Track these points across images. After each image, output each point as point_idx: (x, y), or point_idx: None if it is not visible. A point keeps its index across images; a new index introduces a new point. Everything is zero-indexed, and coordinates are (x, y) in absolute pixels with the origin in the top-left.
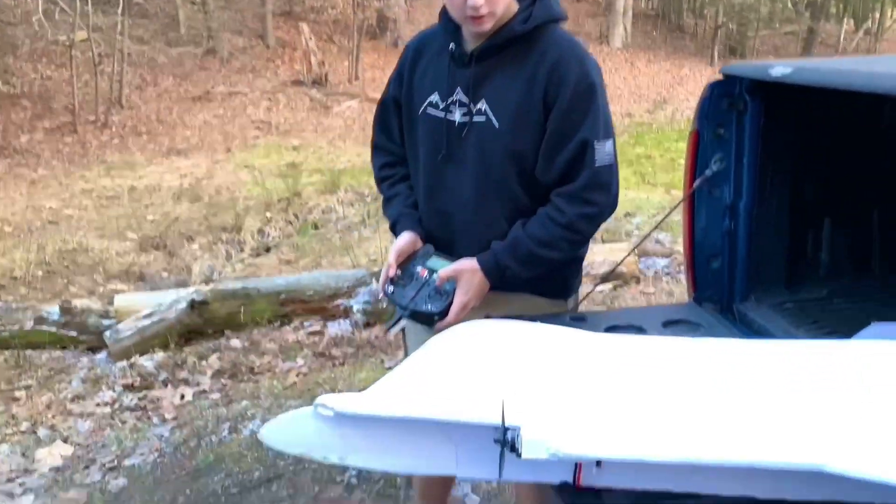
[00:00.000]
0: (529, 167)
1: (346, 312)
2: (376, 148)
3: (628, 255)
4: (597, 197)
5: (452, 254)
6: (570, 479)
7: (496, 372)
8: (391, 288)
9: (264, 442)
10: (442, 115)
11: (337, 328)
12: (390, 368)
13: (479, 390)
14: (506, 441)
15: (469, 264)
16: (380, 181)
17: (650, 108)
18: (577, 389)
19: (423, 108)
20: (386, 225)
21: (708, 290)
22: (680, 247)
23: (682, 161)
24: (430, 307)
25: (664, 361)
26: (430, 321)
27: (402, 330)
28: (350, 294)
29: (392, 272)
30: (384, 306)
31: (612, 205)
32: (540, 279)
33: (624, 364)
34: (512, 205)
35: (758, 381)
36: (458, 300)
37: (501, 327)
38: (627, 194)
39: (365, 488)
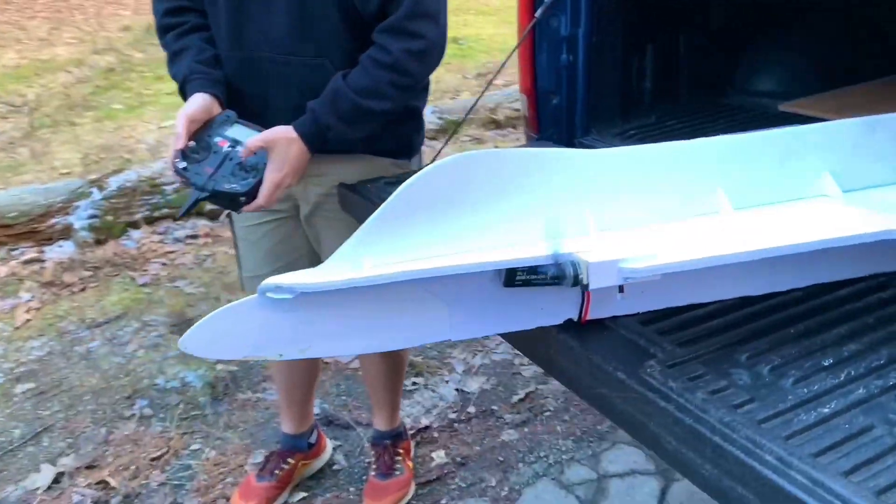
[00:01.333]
0: None
1: (68, 231)
2: None
3: (480, 97)
4: (423, 27)
5: (266, 118)
6: (575, 315)
7: (491, 208)
8: (183, 163)
9: (190, 352)
10: None
11: (59, 251)
12: (145, 285)
13: (485, 231)
14: (561, 275)
15: (282, 132)
16: (163, 31)
17: None
18: (590, 209)
19: None
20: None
21: (550, 129)
22: None
23: None
24: (234, 186)
25: (654, 168)
26: (236, 204)
27: (229, 216)
28: (67, 210)
29: (181, 143)
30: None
31: (441, 38)
32: (378, 138)
33: (621, 176)
34: (336, 46)
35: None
36: (271, 177)
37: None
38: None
39: (163, 416)
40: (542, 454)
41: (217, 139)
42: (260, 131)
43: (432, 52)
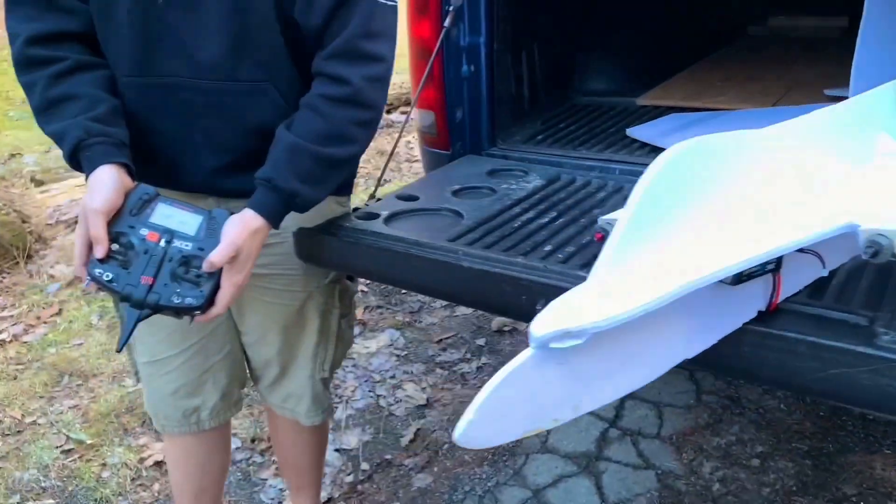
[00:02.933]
0: (289, 6)
1: None
2: (15, 4)
3: (406, 121)
4: (382, 48)
5: (181, 162)
6: (764, 305)
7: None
8: (104, 272)
9: (472, 446)
10: None
11: None
12: None
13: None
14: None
15: (243, 226)
16: (28, 65)
17: None
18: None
19: None
20: None
21: (458, 142)
22: None
23: None
24: (187, 299)
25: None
26: (185, 315)
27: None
28: None
29: (102, 251)
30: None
31: (393, 58)
32: None
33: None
34: (280, 68)
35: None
36: (233, 280)
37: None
38: None
39: None
40: (466, 489)
41: (143, 231)
42: (197, 211)
43: (390, 78)
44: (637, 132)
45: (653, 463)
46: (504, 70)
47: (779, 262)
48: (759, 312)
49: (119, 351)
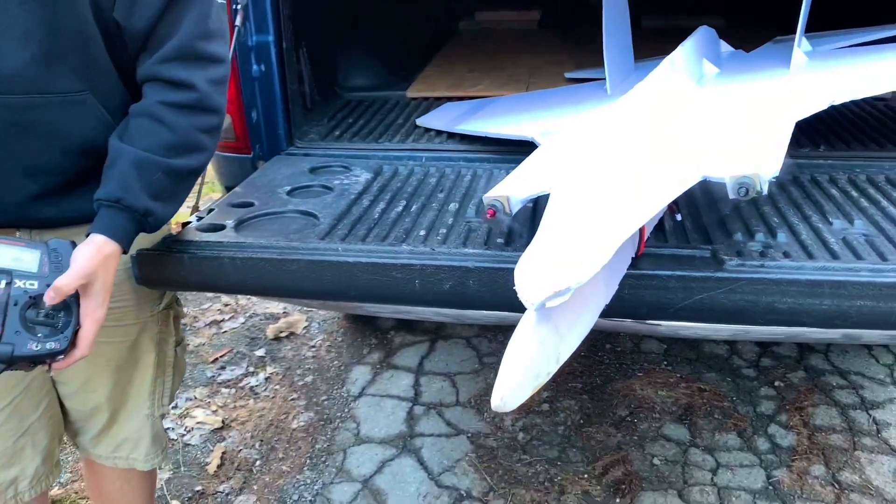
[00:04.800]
0: (108, 7)
1: None
2: None
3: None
4: (220, 48)
5: None
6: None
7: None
8: None
9: (508, 409)
10: None
11: None
12: None
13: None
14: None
15: (94, 252)
16: None
17: None
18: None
19: None
20: None
21: (257, 144)
22: None
23: None
24: (48, 345)
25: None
26: (44, 363)
27: None
28: None
29: None
30: None
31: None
32: None
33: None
34: (98, 75)
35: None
36: (94, 316)
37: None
38: None
39: None
40: (294, 498)
41: None
42: (30, 245)
43: (227, 80)
44: (427, 121)
45: (462, 428)
46: (291, 69)
47: None
48: (632, 259)
49: None
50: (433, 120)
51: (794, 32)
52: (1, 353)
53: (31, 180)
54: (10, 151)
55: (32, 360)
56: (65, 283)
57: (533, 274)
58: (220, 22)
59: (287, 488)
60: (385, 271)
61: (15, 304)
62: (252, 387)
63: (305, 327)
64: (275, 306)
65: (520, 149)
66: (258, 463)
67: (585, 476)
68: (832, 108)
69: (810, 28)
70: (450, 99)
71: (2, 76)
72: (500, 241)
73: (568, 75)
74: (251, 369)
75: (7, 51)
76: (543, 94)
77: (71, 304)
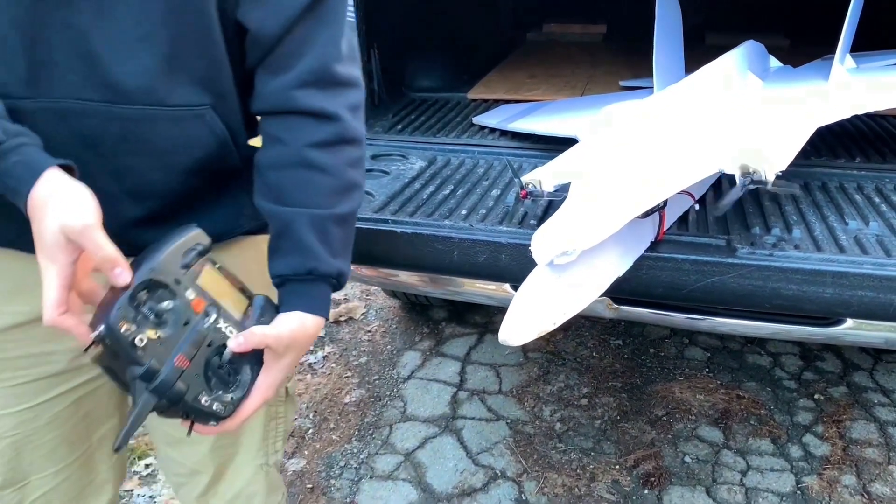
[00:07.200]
0: (231, 6)
1: None
2: None
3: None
4: (355, 70)
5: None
6: (653, 236)
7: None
8: (139, 332)
9: (514, 343)
10: None
11: None
12: None
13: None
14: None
15: (295, 329)
16: None
17: None
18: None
19: None
20: None
21: None
22: None
23: None
24: (216, 404)
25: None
26: (189, 418)
27: None
28: None
29: (128, 276)
30: None
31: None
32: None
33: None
34: (219, 88)
35: None
36: (264, 393)
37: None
38: None
39: None
40: (341, 465)
41: (189, 294)
42: (243, 289)
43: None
44: (482, 120)
45: (502, 415)
46: (362, 67)
47: (665, 201)
48: (651, 242)
49: (118, 449)
50: (488, 119)
51: (858, 53)
52: (175, 390)
53: (137, 203)
54: (114, 169)
55: (188, 412)
56: (262, 334)
57: (546, 237)
58: (353, 41)
59: (335, 455)
60: (428, 242)
61: (209, 345)
62: (311, 363)
63: (363, 313)
64: (335, 293)
65: (565, 146)
66: (311, 431)
67: (617, 467)
68: (875, 121)
69: (876, 47)
70: (507, 101)
71: (118, 85)
72: (532, 222)
73: (623, 83)
74: (311, 348)
75: (127, 54)
76: (594, 98)
77: (251, 369)
